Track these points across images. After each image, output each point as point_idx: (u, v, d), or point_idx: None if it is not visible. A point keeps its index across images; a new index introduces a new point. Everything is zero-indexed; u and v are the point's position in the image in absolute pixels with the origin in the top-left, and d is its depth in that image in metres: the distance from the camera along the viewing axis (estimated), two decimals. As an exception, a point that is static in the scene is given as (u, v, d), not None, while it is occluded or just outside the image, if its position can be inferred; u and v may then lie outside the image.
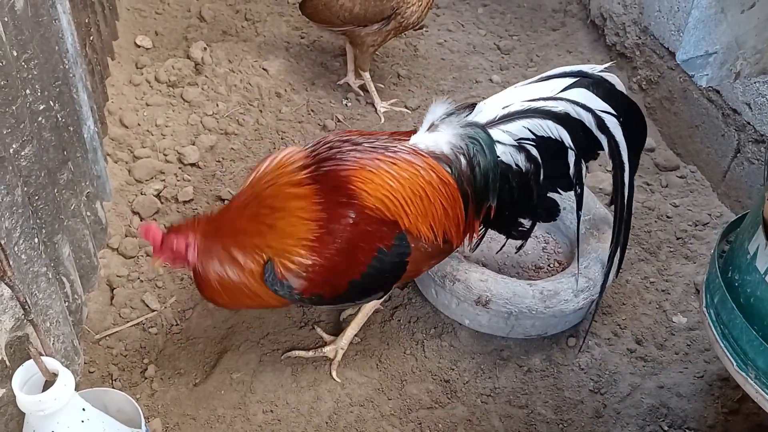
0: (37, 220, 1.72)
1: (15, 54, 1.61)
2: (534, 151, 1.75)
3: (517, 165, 1.76)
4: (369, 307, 1.97)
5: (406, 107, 2.92)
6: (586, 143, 1.75)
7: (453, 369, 2.02)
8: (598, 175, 2.61)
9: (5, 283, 1.33)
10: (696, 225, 2.47)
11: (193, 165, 2.58)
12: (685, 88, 2.59)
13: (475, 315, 2.02)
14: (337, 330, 2.06)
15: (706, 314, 1.55)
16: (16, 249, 1.54)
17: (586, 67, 1.76)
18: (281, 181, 1.67)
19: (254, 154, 2.65)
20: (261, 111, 2.83)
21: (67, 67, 2.07)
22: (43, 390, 1.34)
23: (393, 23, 2.65)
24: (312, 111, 2.87)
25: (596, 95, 1.71)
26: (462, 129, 1.73)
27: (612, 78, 1.74)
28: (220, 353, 1.99)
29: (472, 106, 1.79)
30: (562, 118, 1.72)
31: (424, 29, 3.32)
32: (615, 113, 1.70)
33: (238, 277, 1.64)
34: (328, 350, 1.98)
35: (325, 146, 1.72)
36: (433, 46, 3.23)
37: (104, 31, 2.84)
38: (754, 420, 1.90)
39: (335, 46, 3.15)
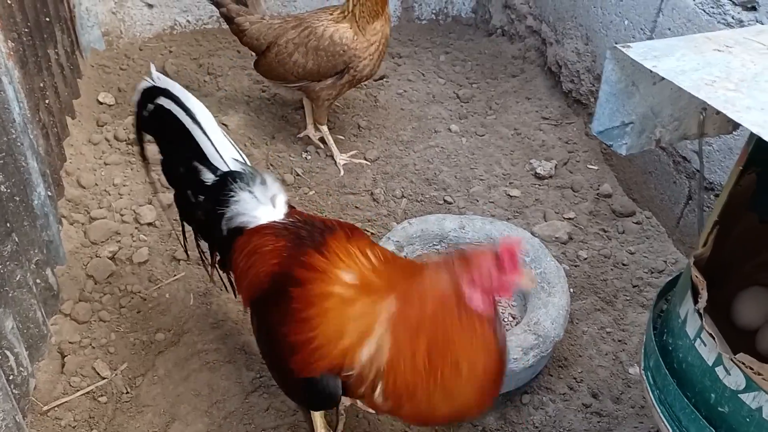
0: (-25, 298, 1.71)
1: (-51, 134, 1.62)
2: None
3: None
4: None
5: (365, 159, 2.93)
6: None
7: (407, 431, 2.00)
8: (554, 224, 2.62)
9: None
10: (652, 272, 2.47)
11: (149, 224, 2.57)
12: (638, 135, 2.63)
13: (427, 375, 2.01)
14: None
15: (644, 377, 1.55)
16: (-54, 332, 1.52)
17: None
18: None
19: (211, 211, 2.64)
20: (220, 167, 2.84)
21: (13, 137, 2.08)
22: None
23: (346, 77, 2.68)
24: (271, 165, 2.88)
25: None
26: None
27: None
28: (167, 423, 1.96)
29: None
30: None
31: (384, 79, 3.36)
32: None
33: None
34: None
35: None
36: (393, 97, 3.26)
37: (63, 92, 2.86)
38: (708, 476, 1.88)
39: (295, 99, 3.18)
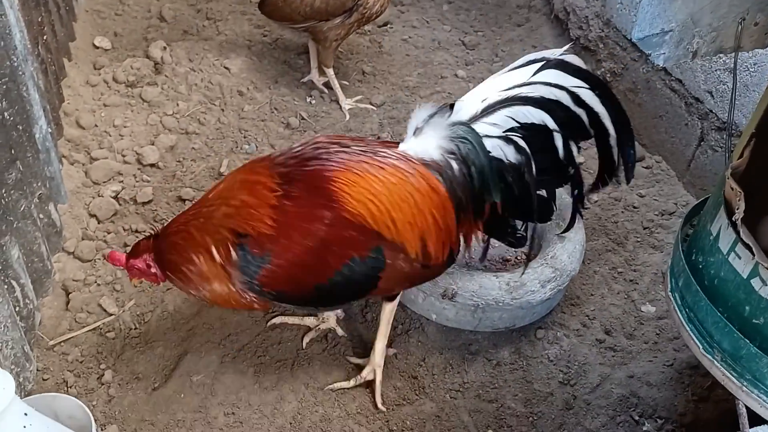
0: (-18, 222, 1.65)
1: (-47, 48, 1.55)
2: (521, 142, 1.66)
3: (508, 159, 1.67)
4: (388, 314, 1.85)
5: (371, 104, 2.88)
6: (569, 122, 1.66)
7: (421, 365, 1.98)
8: (564, 167, 2.60)
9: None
10: (662, 214, 2.46)
11: (152, 165, 2.51)
12: (648, 79, 2.59)
13: (442, 309, 1.99)
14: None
15: (672, 299, 1.53)
16: (-45, 251, 1.47)
17: (548, 53, 1.73)
18: (251, 179, 1.62)
19: (216, 153, 2.59)
20: (223, 110, 2.78)
21: (15, 64, 2.00)
22: (-16, 395, 1.27)
23: (355, 15, 2.61)
24: (275, 109, 2.82)
25: (566, 74, 1.65)
26: (449, 130, 1.65)
27: (573, 58, 1.71)
28: (180, 356, 1.93)
29: (451, 106, 1.69)
30: (539, 102, 1.64)
31: (389, 25, 3.29)
32: (587, 86, 1.64)
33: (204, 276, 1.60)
34: (366, 373, 1.89)
35: (311, 146, 1.65)
36: (398, 43, 3.20)
37: (60, 32, 2.76)
38: (724, 406, 1.89)
39: (298, 43, 3.11)
